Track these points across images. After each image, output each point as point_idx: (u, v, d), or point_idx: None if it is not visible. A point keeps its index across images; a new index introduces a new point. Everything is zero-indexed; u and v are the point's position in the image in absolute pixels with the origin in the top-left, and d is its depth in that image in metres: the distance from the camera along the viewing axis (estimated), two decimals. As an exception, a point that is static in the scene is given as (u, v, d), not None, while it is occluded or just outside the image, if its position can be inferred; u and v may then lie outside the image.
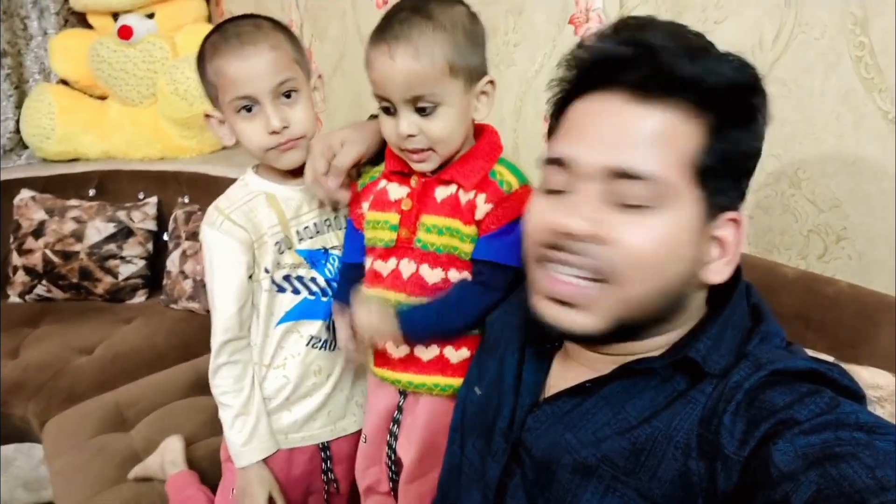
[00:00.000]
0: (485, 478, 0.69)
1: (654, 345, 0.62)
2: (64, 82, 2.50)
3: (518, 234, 0.74)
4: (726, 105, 0.57)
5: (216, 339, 0.91)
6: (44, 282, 2.03)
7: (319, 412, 0.97)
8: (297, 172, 0.91)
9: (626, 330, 0.60)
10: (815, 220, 0.91)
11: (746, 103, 0.58)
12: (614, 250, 0.56)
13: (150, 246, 2.08)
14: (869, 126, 0.83)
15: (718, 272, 0.60)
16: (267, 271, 0.91)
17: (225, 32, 0.85)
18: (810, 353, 0.64)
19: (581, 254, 0.57)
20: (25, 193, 2.11)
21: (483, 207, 0.79)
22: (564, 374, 0.68)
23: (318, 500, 1.02)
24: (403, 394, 0.88)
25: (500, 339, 0.76)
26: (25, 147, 2.49)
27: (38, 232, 2.02)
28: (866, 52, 0.82)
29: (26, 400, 1.59)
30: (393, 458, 0.90)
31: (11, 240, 2.05)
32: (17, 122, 2.45)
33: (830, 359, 0.72)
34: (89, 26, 2.52)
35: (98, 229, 2.03)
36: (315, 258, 0.93)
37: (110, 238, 2.03)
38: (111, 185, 2.23)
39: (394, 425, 0.89)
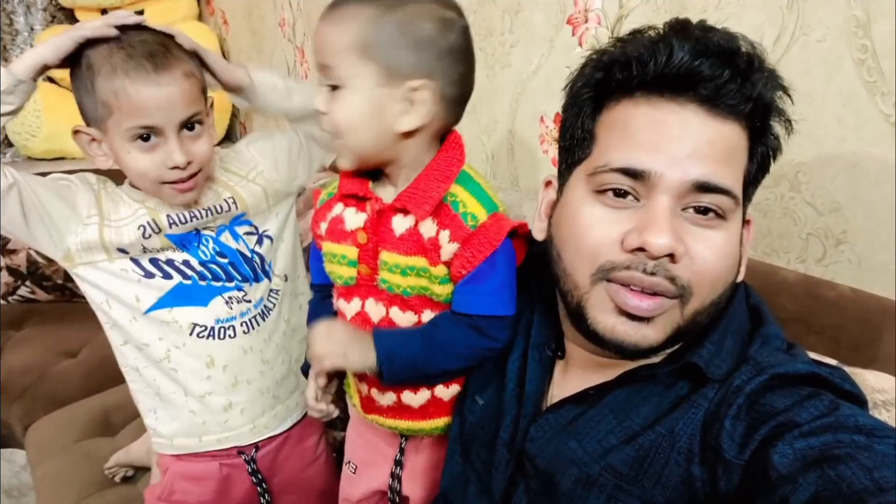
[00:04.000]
0: (490, 489, 0.68)
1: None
2: (50, 80, 2.46)
3: (502, 278, 0.70)
4: (767, 120, 0.58)
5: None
6: (28, 283, 1.99)
7: (229, 410, 0.90)
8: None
9: (675, 341, 0.59)
10: (815, 224, 0.90)
11: (782, 113, 0.59)
12: (690, 265, 0.55)
13: (137, 246, 2.05)
14: (870, 129, 0.83)
15: (739, 274, 0.61)
16: (124, 251, 0.83)
17: (129, 49, 0.75)
18: (813, 356, 0.63)
19: (660, 273, 0.55)
20: (10, 192, 2.07)
21: (448, 248, 0.68)
22: (566, 382, 0.68)
23: None
24: (404, 436, 0.83)
25: (505, 351, 0.74)
26: (10, 145, 2.46)
27: (22, 231, 1.99)
28: (868, 55, 0.81)
29: (9, 404, 1.56)
30: (397, 500, 0.85)
31: (-5, 240, 2.02)
32: (2, 119, 2.42)
33: (834, 363, 0.71)
34: (77, 22, 2.49)
35: (84, 229, 2.00)
36: (186, 241, 0.86)
37: (96, 238, 2.00)
38: (98, 185, 2.21)
39: (397, 468, 0.84)
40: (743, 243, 0.60)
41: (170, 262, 0.85)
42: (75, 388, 1.58)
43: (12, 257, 1.98)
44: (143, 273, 0.85)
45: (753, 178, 0.59)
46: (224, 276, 0.88)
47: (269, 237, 0.93)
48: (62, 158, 2.39)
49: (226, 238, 0.89)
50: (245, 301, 0.89)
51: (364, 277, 0.74)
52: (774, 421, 0.50)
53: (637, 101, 0.57)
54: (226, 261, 0.88)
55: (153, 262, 0.85)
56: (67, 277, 1.98)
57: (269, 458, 0.97)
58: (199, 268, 0.86)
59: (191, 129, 0.80)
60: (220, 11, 2.53)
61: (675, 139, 0.55)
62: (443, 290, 0.71)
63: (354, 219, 0.73)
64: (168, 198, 0.83)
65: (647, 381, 0.60)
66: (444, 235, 0.68)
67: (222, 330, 0.88)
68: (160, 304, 0.86)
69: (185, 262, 0.86)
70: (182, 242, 0.86)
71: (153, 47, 0.76)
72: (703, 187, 0.54)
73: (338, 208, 0.76)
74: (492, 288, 0.69)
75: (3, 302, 2.01)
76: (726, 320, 0.60)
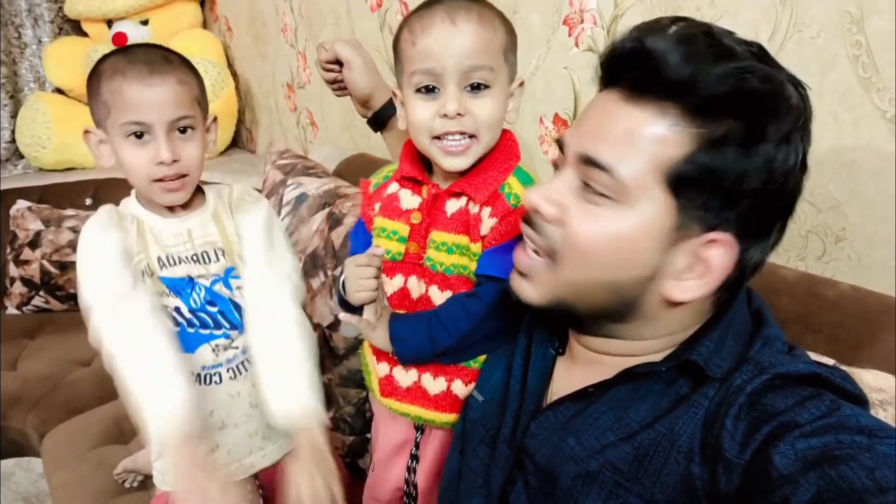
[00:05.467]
0: (488, 484, 0.68)
1: (651, 348, 0.62)
2: (59, 91, 2.50)
3: None
4: (723, 118, 0.53)
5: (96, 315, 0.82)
6: (41, 293, 2.02)
7: (216, 451, 0.90)
8: (172, 208, 0.89)
9: (569, 313, 0.63)
10: (814, 221, 0.90)
11: (751, 120, 0.53)
12: (561, 232, 0.59)
13: (147, 254, 2.08)
14: (867, 125, 0.82)
15: (688, 290, 0.58)
16: None
17: (132, 56, 0.83)
18: (812, 356, 0.63)
19: (540, 232, 0.61)
20: (21, 204, 2.11)
21: (488, 222, 0.75)
22: (567, 379, 0.68)
23: None
24: (419, 428, 0.86)
25: (508, 347, 0.76)
26: (21, 157, 2.49)
27: (34, 242, 2.02)
28: (863, 51, 0.81)
29: (25, 413, 1.59)
30: (414, 494, 0.87)
31: (8, 251, 2.05)
32: (13, 131, 2.45)
33: (831, 362, 0.71)
34: (84, 34, 2.52)
35: (95, 239, 2.02)
36: (179, 286, 0.88)
37: (107, 247, 2.03)
38: (108, 194, 2.22)
39: (412, 461, 0.86)
40: (708, 261, 0.56)
41: (163, 309, 0.86)
42: (89, 397, 1.60)
43: (26, 268, 2.01)
44: None
45: (692, 185, 0.54)
46: (212, 324, 0.90)
47: None
48: (72, 169, 2.42)
49: (219, 288, 0.91)
50: (232, 348, 0.91)
51: (410, 255, 0.79)
52: (776, 421, 0.50)
53: (598, 92, 0.62)
54: (215, 310, 0.90)
55: None
56: (80, 286, 2.01)
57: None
58: (188, 315, 0.88)
59: (183, 131, 0.85)
60: (223, 18, 2.55)
61: (587, 117, 0.61)
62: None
63: (410, 200, 0.79)
64: (157, 196, 0.86)
65: (646, 379, 0.60)
66: (486, 212, 0.75)
67: (208, 376, 0.89)
68: None
69: (176, 309, 0.88)
70: (176, 288, 0.88)
71: (153, 56, 0.83)
72: (589, 160, 0.58)
73: (393, 187, 0.82)
74: (511, 256, 0.72)
75: (17, 312, 2.04)
76: (726, 321, 0.60)
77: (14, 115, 2.48)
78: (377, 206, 0.83)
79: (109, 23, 2.39)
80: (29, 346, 1.85)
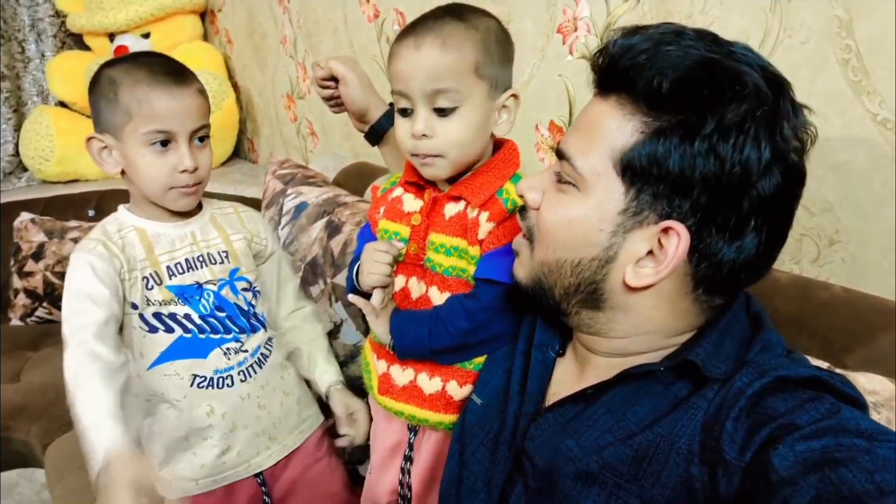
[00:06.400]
0: (488, 487, 0.69)
1: (647, 347, 0.63)
2: (62, 104, 2.52)
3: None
4: (667, 108, 0.55)
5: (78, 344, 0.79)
6: (45, 304, 2.04)
7: (227, 453, 0.93)
8: (170, 212, 0.92)
9: (546, 294, 0.66)
10: (808, 224, 0.90)
11: (691, 109, 0.54)
12: (539, 218, 0.65)
13: (149, 265, 2.09)
14: (858, 128, 0.83)
15: (643, 276, 0.59)
16: (135, 307, 0.87)
17: (149, 66, 0.85)
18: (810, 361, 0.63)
19: (525, 217, 0.68)
20: (25, 216, 2.12)
21: (485, 226, 0.77)
22: (567, 381, 0.69)
23: None
24: (413, 430, 0.86)
25: (507, 351, 0.76)
26: (25, 169, 2.51)
27: (38, 254, 2.04)
28: (853, 55, 0.81)
29: (28, 424, 1.59)
30: (409, 495, 0.87)
31: (12, 263, 2.07)
32: (17, 144, 2.48)
33: (826, 365, 0.71)
34: (86, 48, 2.54)
35: (97, 250, 2.04)
36: (188, 294, 0.90)
37: (110, 258, 2.04)
38: (110, 206, 2.19)
39: (406, 462, 0.87)
40: (660, 248, 0.58)
41: (172, 316, 0.89)
42: (91, 407, 1.61)
43: (29, 280, 2.02)
44: (147, 328, 0.88)
45: (641, 173, 0.57)
46: (222, 329, 0.92)
47: (258, 291, 0.99)
48: (76, 181, 2.44)
49: (226, 292, 0.94)
50: (242, 351, 0.94)
51: (411, 256, 0.81)
52: (775, 423, 0.50)
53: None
54: (224, 314, 0.93)
55: (157, 316, 0.89)
56: (83, 297, 2.02)
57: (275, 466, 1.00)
58: (198, 321, 0.90)
59: (200, 140, 0.89)
60: (223, 31, 2.57)
61: (576, 120, 0.66)
62: (475, 270, 0.78)
63: (412, 204, 0.82)
64: (171, 202, 0.90)
65: (645, 380, 0.60)
66: (484, 216, 0.77)
67: (221, 380, 0.92)
68: (161, 358, 0.89)
69: (187, 316, 0.90)
70: (184, 296, 0.90)
71: (172, 66, 0.88)
72: (559, 153, 0.63)
73: (398, 192, 0.85)
74: (509, 260, 0.74)
75: (21, 323, 2.05)
76: (724, 323, 0.60)
77: (18, 129, 2.50)
78: (382, 210, 0.86)
79: (111, 37, 2.41)
80: (32, 358, 1.86)
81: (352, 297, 0.83)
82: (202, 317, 0.91)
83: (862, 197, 0.84)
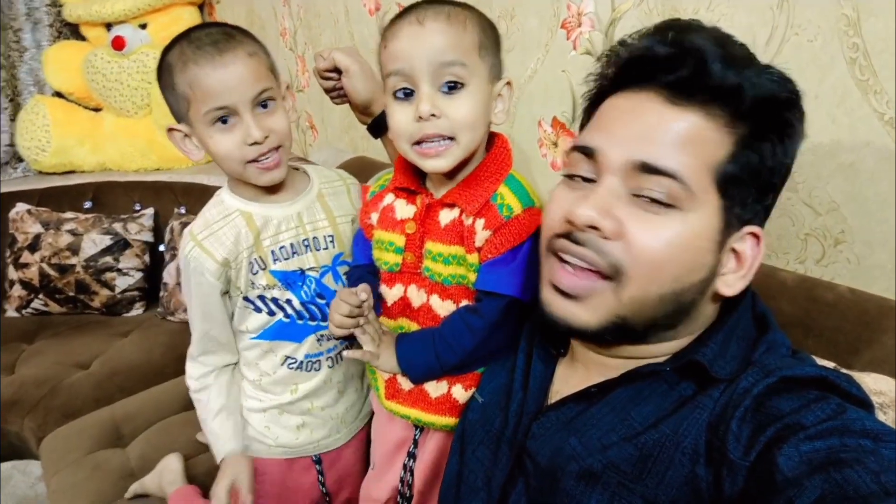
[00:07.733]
0: (488, 486, 0.68)
1: (659, 351, 0.62)
2: (59, 94, 2.50)
3: (519, 263, 0.73)
4: (761, 118, 0.57)
5: (192, 349, 0.94)
6: (40, 296, 2.02)
7: (301, 429, 0.97)
8: (273, 189, 0.88)
9: (626, 331, 0.59)
10: (813, 224, 0.90)
11: (782, 118, 0.57)
12: (623, 247, 0.56)
13: (146, 257, 2.08)
14: (865, 128, 0.82)
15: (731, 285, 0.59)
16: (240, 290, 0.89)
17: (196, 41, 0.79)
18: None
19: (588, 246, 0.57)
20: (21, 207, 2.11)
21: (482, 234, 0.74)
22: (569, 379, 0.68)
23: None
24: (419, 428, 0.86)
25: (509, 351, 0.76)
26: (21, 160, 2.49)
27: (33, 245, 2.02)
28: (860, 54, 0.80)
29: (23, 416, 1.58)
30: (409, 494, 0.87)
31: (7, 254, 2.05)
32: (13, 135, 2.46)
33: (831, 366, 0.71)
34: (83, 38, 2.52)
35: (94, 242, 2.02)
36: (290, 280, 0.90)
37: (106, 250, 2.03)
38: (107, 197, 2.23)
39: (409, 459, 0.87)
40: (742, 254, 0.59)
41: (275, 301, 0.90)
42: (87, 400, 1.60)
43: (25, 271, 2.01)
44: (253, 307, 0.91)
45: (737, 183, 0.57)
46: (320, 316, 0.93)
47: None
48: (72, 172, 2.42)
49: (328, 280, 0.93)
50: (334, 338, 0.93)
51: (408, 265, 0.79)
52: (781, 423, 0.50)
53: (617, 94, 0.62)
54: (323, 301, 0.93)
55: (261, 298, 0.90)
56: (79, 290, 2.01)
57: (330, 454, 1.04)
58: (298, 307, 0.91)
59: (264, 106, 0.83)
60: (222, 21, 2.55)
61: (624, 121, 0.59)
62: (475, 278, 0.76)
63: (405, 210, 0.79)
64: (255, 179, 0.85)
65: (650, 380, 0.60)
66: (480, 223, 0.74)
67: (310, 364, 0.94)
68: (262, 336, 0.93)
69: (288, 301, 0.91)
70: (287, 281, 0.90)
71: (217, 36, 0.80)
72: (646, 167, 0.56)
73: (389, 199, 0.81)
74: (510, 270, 0.73)
75: (17, 315, 2.04)
76: (730, 324, 0.60)
77: (14, 119, 2.48)
78: (374, 217, 0.83)
79: (108, 26, 2.39)
80: (27, 350, 1.85)
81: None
82: (303, 303, 0.91)
83: (868, 197, 0.83)
